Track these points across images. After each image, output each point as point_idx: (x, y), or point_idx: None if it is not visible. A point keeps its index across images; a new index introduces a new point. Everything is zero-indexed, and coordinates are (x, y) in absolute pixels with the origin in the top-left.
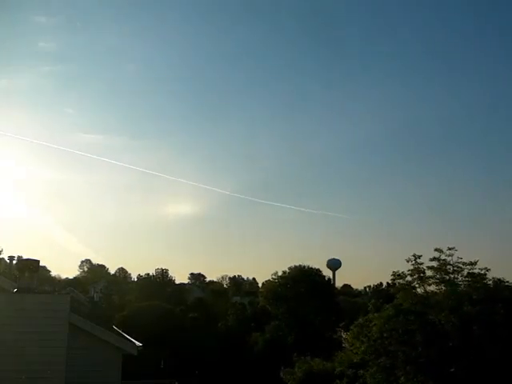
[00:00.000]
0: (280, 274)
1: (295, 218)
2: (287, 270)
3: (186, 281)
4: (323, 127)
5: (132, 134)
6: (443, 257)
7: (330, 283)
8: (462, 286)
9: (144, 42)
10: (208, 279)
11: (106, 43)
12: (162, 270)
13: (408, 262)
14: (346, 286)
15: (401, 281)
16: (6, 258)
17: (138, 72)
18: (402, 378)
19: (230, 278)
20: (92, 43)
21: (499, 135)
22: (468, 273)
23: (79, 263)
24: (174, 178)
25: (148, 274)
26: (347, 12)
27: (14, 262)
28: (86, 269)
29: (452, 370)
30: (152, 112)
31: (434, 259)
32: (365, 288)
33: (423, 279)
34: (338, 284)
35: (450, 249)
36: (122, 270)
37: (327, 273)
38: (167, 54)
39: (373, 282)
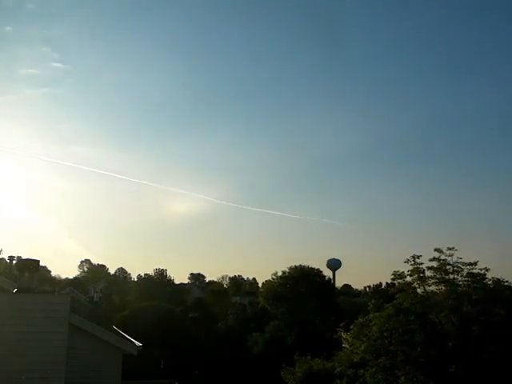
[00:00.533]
0: (280, 274)
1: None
2: (287, 270)
3: (185, 281)
4: (322, 130)
5: (125, 146)
6: (443, 257)
7: (329, 283)
8: (462, 286)
9: (127, 53)
10: (208, 279)
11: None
12: (161, 270)
13: (407, 262)
14: (346, 286)
15: (401, 281)
16: (6, 258)
17: (124, 84)
18: (402, 378)
19: (230, 278)
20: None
21: (501, 136)
22: (468, 273)
23: (79, 263)
24: (170, 187)
25: (148, 274)
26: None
27: (14, 261)
28: (85, 269)
29: (452, 369)
30: (143, 123)
31: (433, 259)
32: (365, 288)
33: (423, 279)
34: (338, 284)
35: (449, 249)
36: (121, 270)
37: (327, 273)
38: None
39: (373, 282)
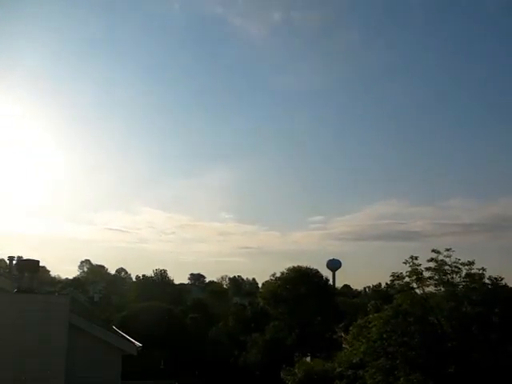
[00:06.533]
0: (279, 274)
1: None
2: (286, 271)
3: (185, 281)
4: None
5: None
6: (441, 257)
7: (329, 284)
8: (461, 287)
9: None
10: (208, 279)
11: None
12: (161, 270)
13: (405, 263)
14: (346, 287)
15: (399, 282)
16: (6, 258)
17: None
18: (402, 379)
19: (229, 278)
20: None
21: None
22: (466, 273)
23: (79, 263)
24: None
25: (148, 275)
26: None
27: (14, 262)
28: (85, 269)
29: (451, 370)
30: None
31: (431, 260)
32: (364, 288)
33: (421, 280)
34: (338, 284)
35: (447, 249)
36: (121, 270)
37: (327, 273)
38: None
39: (372, 283)
